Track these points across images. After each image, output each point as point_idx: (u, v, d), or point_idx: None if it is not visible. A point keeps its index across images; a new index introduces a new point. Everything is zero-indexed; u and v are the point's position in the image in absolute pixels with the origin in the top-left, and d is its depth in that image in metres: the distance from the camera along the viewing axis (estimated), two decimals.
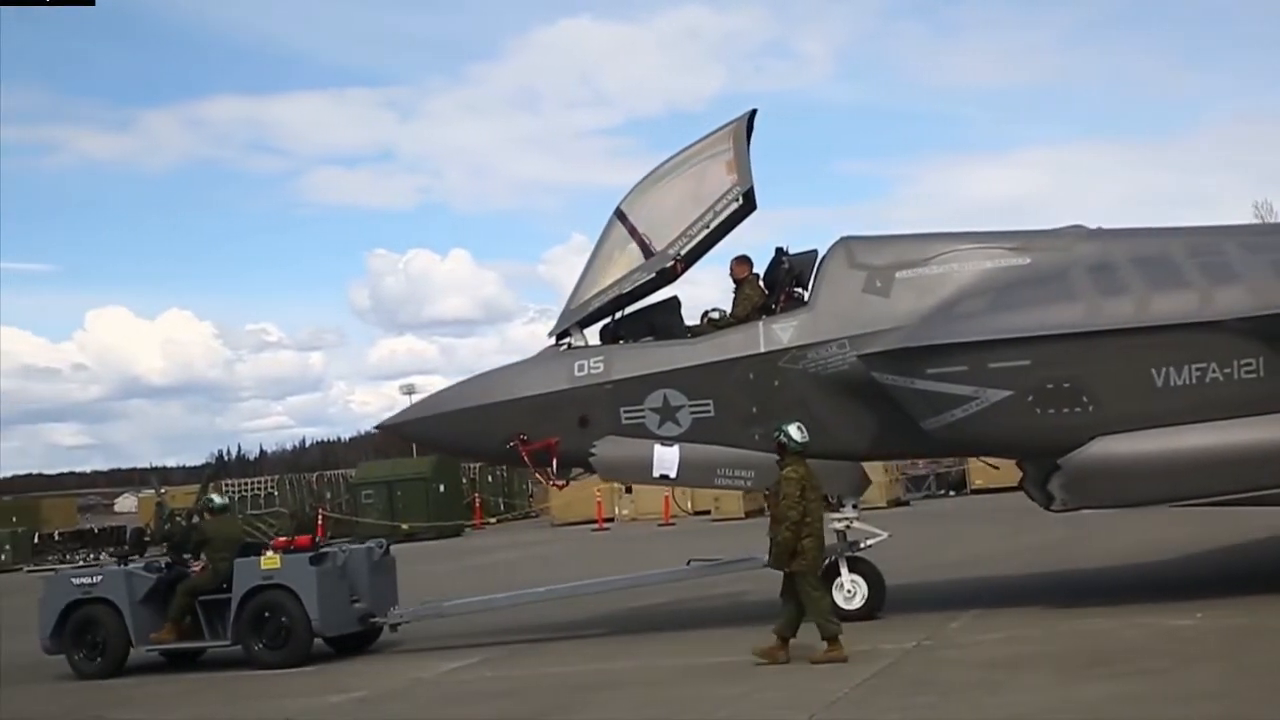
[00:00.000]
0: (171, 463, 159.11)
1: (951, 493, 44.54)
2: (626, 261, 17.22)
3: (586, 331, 17.53)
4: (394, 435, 20.04)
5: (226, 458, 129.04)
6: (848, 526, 17.07)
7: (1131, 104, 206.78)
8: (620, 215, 17.28)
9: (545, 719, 12.61)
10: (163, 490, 54.41)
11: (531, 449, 17.12)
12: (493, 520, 53.76)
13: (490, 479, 55.64)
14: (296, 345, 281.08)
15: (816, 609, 14.12)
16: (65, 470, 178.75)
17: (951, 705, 11.43)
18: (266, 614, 17.48)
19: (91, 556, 46.58)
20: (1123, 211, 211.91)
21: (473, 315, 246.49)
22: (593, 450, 17.05)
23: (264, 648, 17.42)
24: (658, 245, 17.07)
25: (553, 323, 17.66)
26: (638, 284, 17.30)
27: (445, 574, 29.99)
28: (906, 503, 41.78)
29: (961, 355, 15.55)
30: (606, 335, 17.52)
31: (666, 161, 17.44)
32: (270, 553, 17.76)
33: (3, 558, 47.83)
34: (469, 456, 19.28)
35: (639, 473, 17.36)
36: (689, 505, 43.95)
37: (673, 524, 43.38)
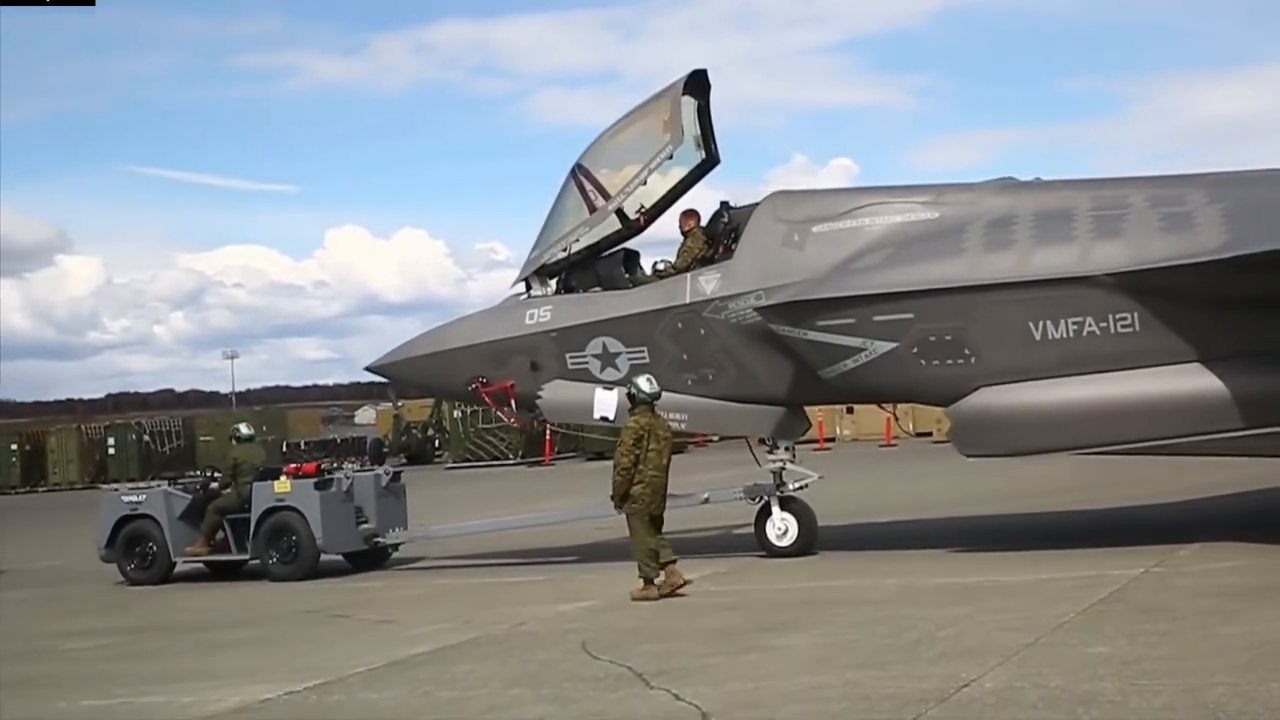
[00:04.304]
0: None
1: None
2: (576, 215, 18.45)
3: (552, 281, 18.85)
4: (377, 375, 21.90)
5: None
6: (782, 468, 17.99)
7: None
8: (575, 170, 18.47)
9: (766, 633, 12.65)
10: (400, 404, 58.15)
11: (490, 391, 18.66)
12: (715, 438, 55.20)
13: None
14: None
15: (639, 549, 15.26)
16: (309, 383, 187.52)
17: (1183, 633, 11.04)
18: (279, 532, 19.62)
19: (335, 465, 50.13)
20: None
21: None
22: (540, 393, 18.46)
23: (277, 562, 19.61)
24: (601, 201, 18.22)
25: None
26: (588, 237, 18.49)
27: None
28: None
29: (849, 308, 16.24)
30: (560, 286, 18.79)
31: (619, 120, 18.54)
32: (283, 478, 19.97)
33: None
34: (440, 396, 20.94)
35: (581, 414, 18.57)
36: (910, 427, 43.60)
37: (894, 445, 43.62)
